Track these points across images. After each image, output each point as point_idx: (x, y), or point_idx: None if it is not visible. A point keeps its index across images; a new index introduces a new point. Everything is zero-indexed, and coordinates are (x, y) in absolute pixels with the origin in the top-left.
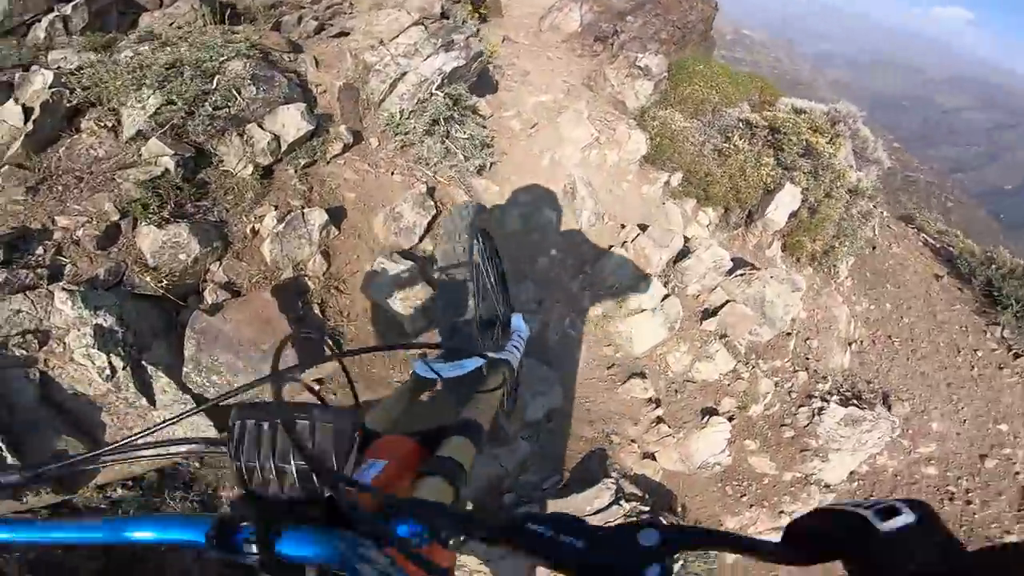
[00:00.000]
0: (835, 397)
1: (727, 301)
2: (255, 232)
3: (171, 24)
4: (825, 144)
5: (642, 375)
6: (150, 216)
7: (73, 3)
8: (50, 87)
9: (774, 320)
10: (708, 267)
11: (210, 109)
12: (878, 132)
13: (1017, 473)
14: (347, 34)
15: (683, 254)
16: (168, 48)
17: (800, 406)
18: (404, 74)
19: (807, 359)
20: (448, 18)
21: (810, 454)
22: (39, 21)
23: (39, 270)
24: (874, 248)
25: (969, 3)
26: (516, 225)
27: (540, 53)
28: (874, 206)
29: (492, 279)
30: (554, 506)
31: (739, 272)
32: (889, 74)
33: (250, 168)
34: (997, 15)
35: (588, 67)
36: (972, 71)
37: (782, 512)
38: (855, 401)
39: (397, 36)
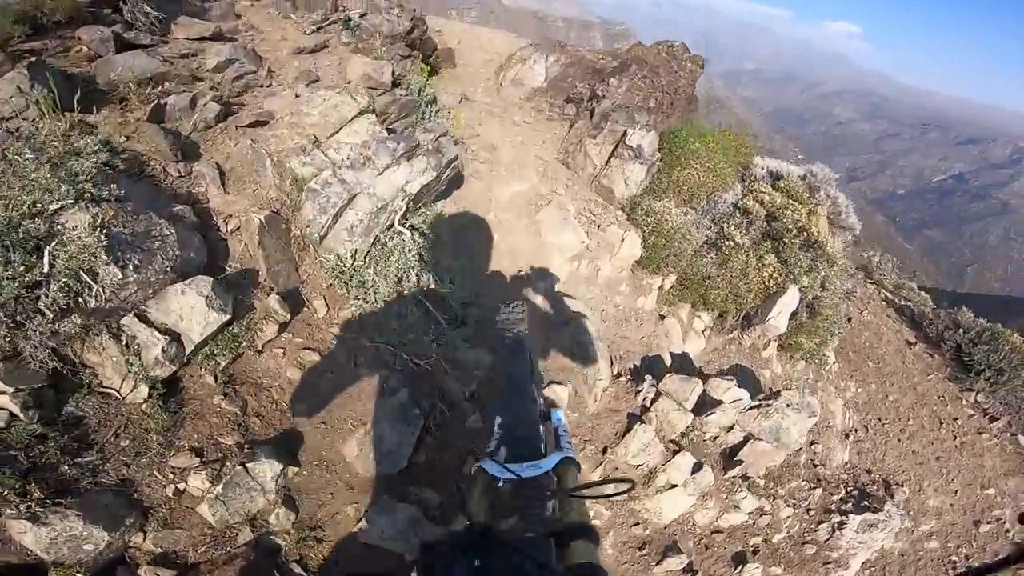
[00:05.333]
0: (849, 504)
1: (746, 438)
2: (180, 492)
3: None
4: (808, 217)
5: (674, 546)
6: (17, 507)
7: None
8: None
9: (788, 444)
10: (729, 413)
11: (50, 316)
12: (788, 143)
13: (1008, 531)
14: (265, 123)
15: (704, 403)
16: None
17: (820, 522)
18: (353, 197)
19: (816, 467)
20: (400, 86)
21: (832, 565)
22: None
23: None
24: (850, 320)
25: (856, 17)
26: None
27: (505, 116)
28: (853, 285)
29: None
30: None
31: (755, 404)
32: (790, 88)
33: (143, 389)
34: (885, 29)
35: (561, 134)
36: (862, 83)
37: None
38: (866, 502)
39: (338, 131)
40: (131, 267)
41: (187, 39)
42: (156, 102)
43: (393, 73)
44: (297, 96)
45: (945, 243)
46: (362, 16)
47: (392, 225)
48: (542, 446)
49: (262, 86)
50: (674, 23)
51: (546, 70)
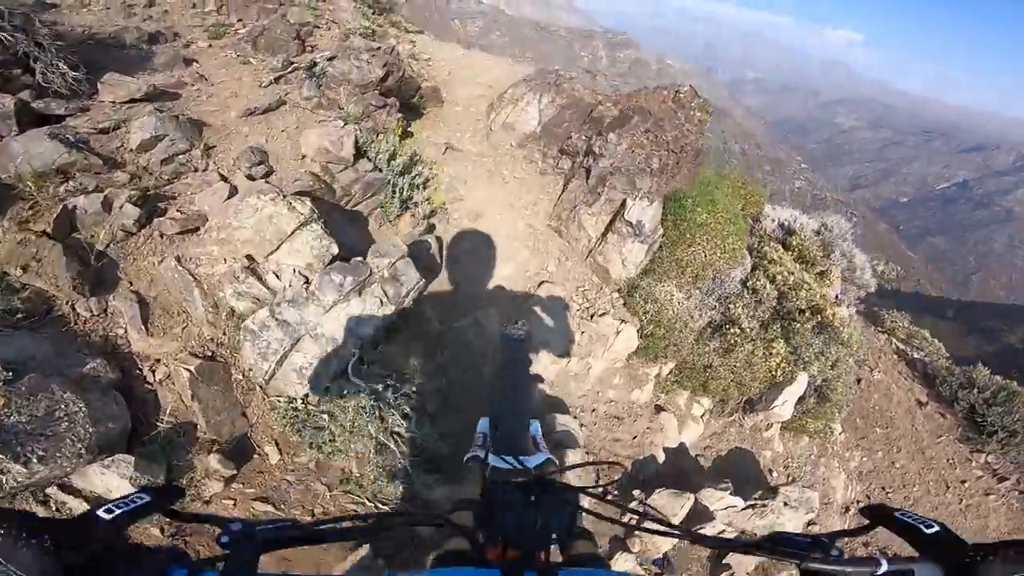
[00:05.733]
0: None
1: (738, 537)
2: None
3: None
4: (817, 285)
5: None
6: None
7: None
8: None
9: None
10: (719, 525)
11: None
12: (792, 153)
13: None
14: (196, 229)
15: (696, 512)
16: None
17: None
18: (298, 340)
19: None
20: (366, 155)
21: None
22: None
23: None
24: (859, 381)
25: (857, 25)
26: None
27: (494, 171)
28: (866, 353)
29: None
30: None
31: (750, 504)
32: (793, 97)
33: None
34: (885, 34)
35: (554, 192)
36: (863, 91)
37: None
38: None
39: (277, 248)
40: (35, 459)
41: (114, 103)
42: (63, 206)
43: (357, 142)
44: (230, 197)
45: (949, 251)
46: (330, 60)
47: (345, 372)
48: (527, 447)
49: (196, 170)
50: (676, 33)
51: (540, 112)
